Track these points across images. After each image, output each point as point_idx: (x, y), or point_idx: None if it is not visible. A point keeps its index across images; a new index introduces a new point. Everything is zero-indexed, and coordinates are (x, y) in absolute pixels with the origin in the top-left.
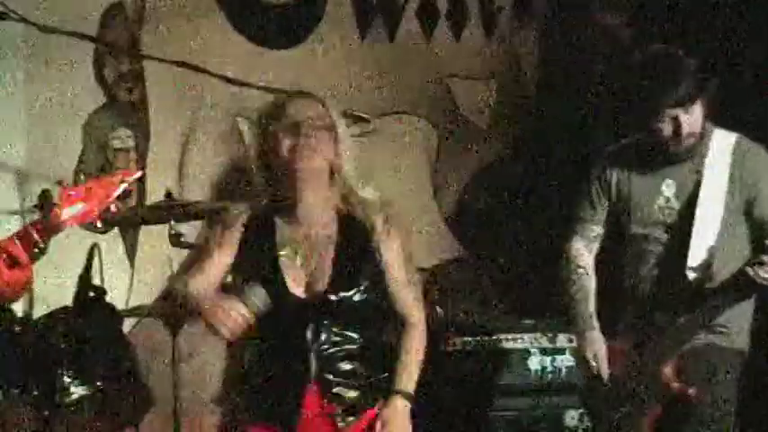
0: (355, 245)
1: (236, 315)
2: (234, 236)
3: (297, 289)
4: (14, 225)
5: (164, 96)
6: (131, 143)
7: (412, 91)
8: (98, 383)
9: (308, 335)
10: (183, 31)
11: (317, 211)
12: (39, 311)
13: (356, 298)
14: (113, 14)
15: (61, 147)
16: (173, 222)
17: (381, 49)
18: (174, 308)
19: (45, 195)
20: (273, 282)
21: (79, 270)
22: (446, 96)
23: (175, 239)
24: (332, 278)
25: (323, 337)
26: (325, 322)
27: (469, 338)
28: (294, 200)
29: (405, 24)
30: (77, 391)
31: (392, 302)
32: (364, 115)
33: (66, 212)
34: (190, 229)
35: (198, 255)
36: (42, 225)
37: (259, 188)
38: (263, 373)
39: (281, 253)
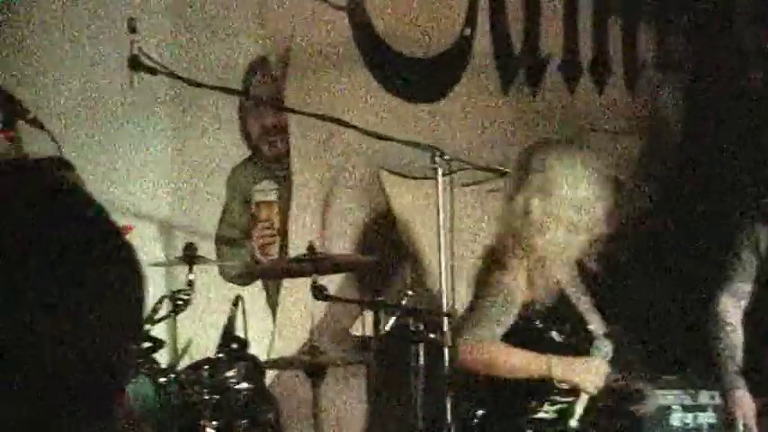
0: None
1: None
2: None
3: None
4: (159, 277)
5: (306, 149)
6: (274, 196)
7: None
8: None
9: None
10: (327, 85)
11: None
12: (183, 362)
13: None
14: (258, 68)
15: (205, 199)
16: (315, 275)
17: (523, 103)
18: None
19: (190, 248)
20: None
21: (222, 321)
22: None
23: (318, 292)
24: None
25: None
26: None
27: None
28: None
29: (547, 78)
30: None
31: None
32: (505, 170)
33: None
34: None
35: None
36: None
37: None
38: None
39: None
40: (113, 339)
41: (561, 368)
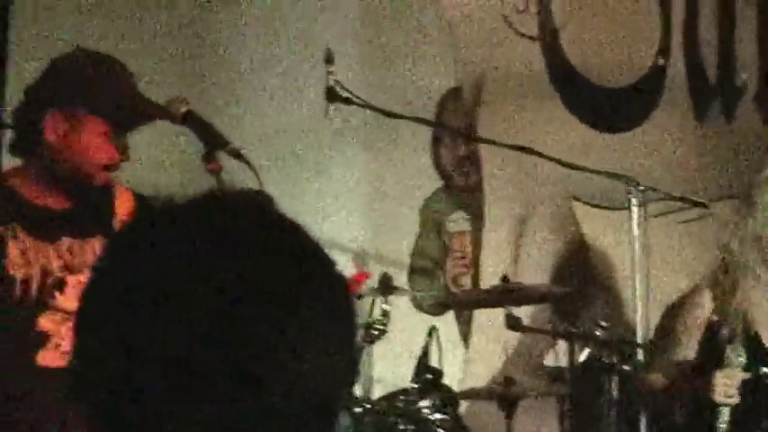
0: None
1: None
2: None
3: None
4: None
5: (499, 179)
6: (467, 226)
7: (749, 175)
8: None
9: None
10: (519, 115)
11: None
12: (377, 392)
13: None
14: (451, 99)
15: (399, 229)
16: (509, 306)
17: (718, 132)
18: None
19: (385, 278)
20: None
21: (416, 351)
22: None
23: (512, 323)
24: None
25: None
26: None
27: None
28: None
29: (743, 106)
30: None
31: None
32: (702, 201)
33: None
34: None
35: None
36: None
37: None
38: None
39: None
40: (334, 369)
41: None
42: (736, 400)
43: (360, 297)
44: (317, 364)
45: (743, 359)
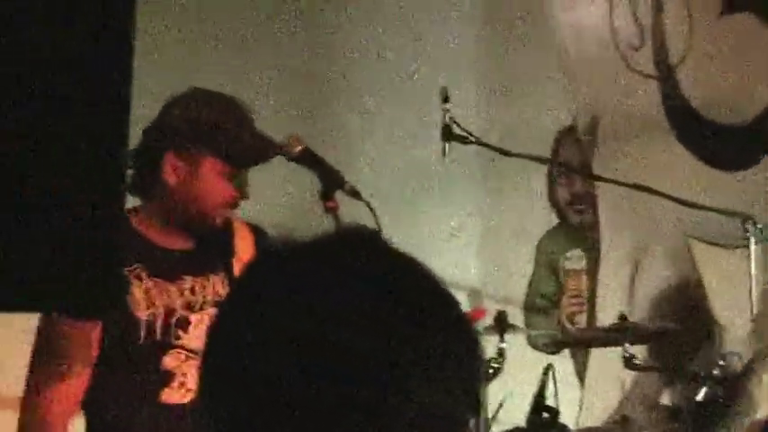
0: None
1: None
2: None
3: None
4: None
5: (614, 217)
6: (582, 264)
7: None
8: None
9: None
10: (635, 153)
11: None
12: (494, 431)
13: None
14: (566, 137)
15: (513, 267)
16: (626, 345)
17: None
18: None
19: (501, 316)
20: None
21: (530, 390)
22: None
23: (629, 362)
24: None
25: None
26: None
27: None
28: None
29: None
30: None
31: None
32: None
33: None
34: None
35: None
36: None
37: None
38: None
39: None
40: (456, 406)
41: None
42: None
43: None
44: (439, 401)
45: None
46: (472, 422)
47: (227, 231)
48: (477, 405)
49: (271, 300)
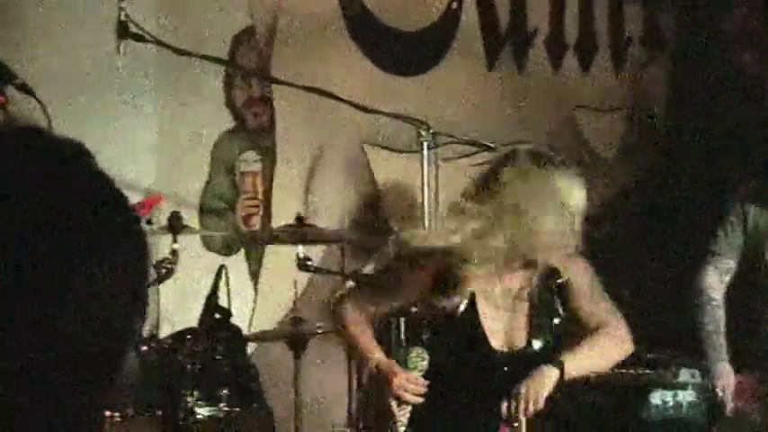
0: (545, 291)
1: (418, 384)
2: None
3: (495, 343)
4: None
5: (291, 121)
6: (258, 166)
7: (538, 121)
8: (223, 405)
9: (501, 383)
10: (312, 56)
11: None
12: (165, 331)
13: (548, 346)
14: (244, 39)
15: (190, 169)
16: (300, 247)
17: (509, 79)
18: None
19: (175, 217)
20: (473, 335)
21: (205, 291)
22: (573, 127)
23: (303, 264)
24: (529, 333)
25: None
26: (520, 370)
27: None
28: None
29: (533, 54)
30: (202, 413)
31: (587, 322)
32: (490, 144)
33: None
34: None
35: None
36: None
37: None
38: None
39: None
40: (122, 310)
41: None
42: None
43: (149, 222)
44: (104, 300)
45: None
46: (140, 324)
47: None
48: (144, 305)
49: None
